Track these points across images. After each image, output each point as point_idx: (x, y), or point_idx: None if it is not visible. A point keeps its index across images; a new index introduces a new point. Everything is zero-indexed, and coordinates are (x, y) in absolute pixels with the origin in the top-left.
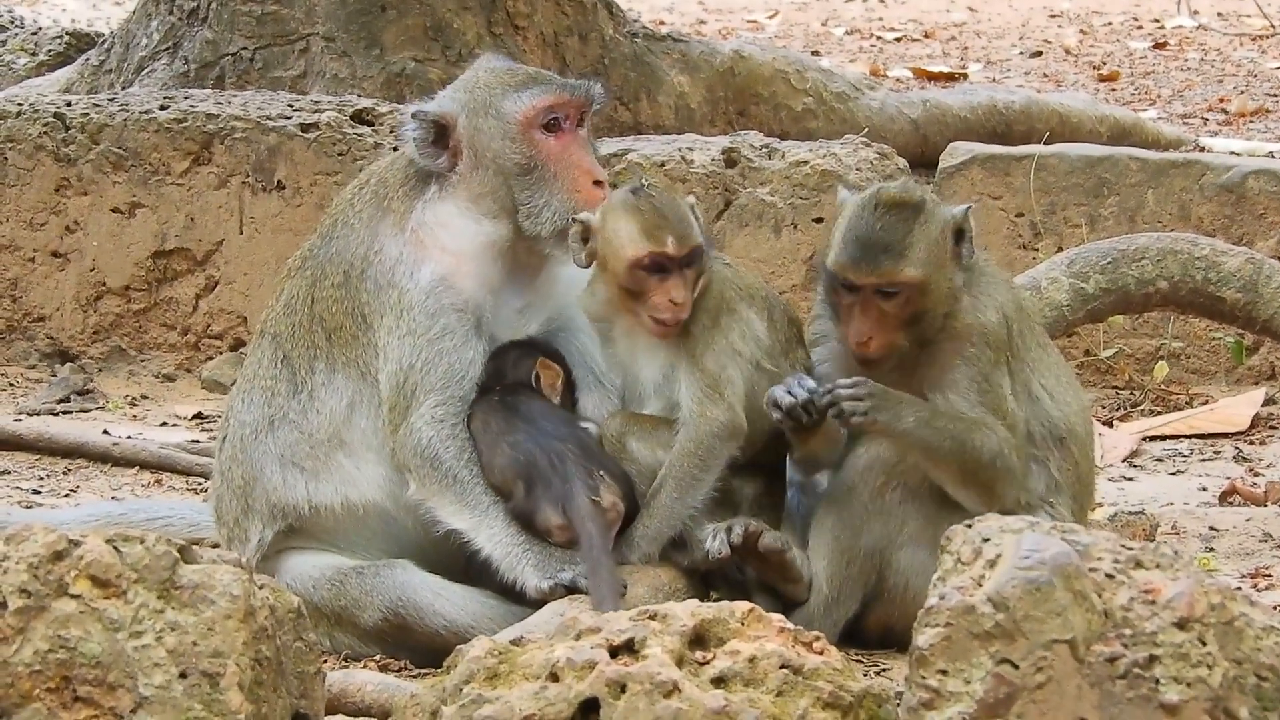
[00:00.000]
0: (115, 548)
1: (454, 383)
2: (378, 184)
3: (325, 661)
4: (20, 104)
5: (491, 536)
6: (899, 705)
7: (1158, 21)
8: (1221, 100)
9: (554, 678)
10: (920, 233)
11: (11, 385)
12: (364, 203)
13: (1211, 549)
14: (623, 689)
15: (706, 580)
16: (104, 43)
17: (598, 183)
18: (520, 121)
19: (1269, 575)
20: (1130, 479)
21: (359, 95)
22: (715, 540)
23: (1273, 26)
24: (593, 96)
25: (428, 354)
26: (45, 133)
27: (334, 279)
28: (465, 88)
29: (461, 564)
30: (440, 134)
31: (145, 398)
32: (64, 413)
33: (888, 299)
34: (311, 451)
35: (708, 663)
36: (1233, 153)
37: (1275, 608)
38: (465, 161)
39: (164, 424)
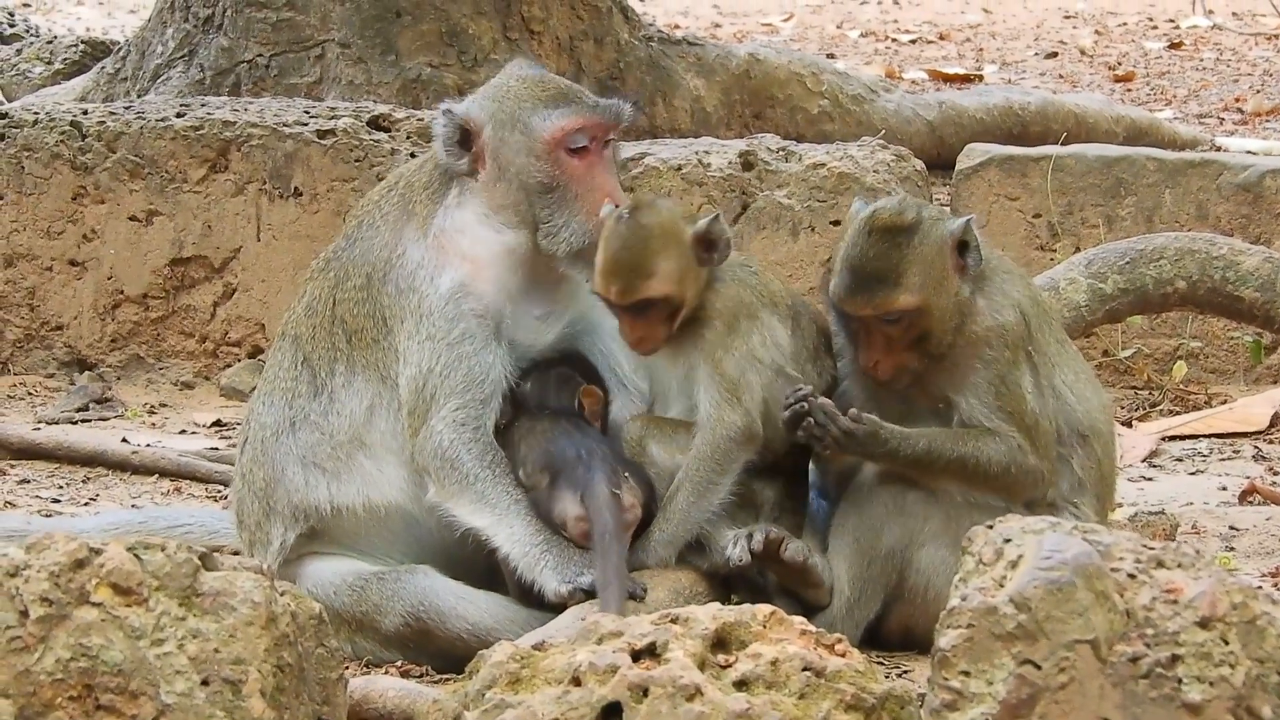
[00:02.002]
0: (136, 555)
1: (474, 386)
2: (404, 187)
3: (347, 668)
4: (36, 113)
5: (511, 536)
6: (921, 707)
7: (1173, 21)
8: (1237, 100)
9: (576, 682)
10: (915, 256)
11: (30, 394)
12: (390, 205)
13: (1232, 548)
14: (645, 693)
15: (727, 583)
16: (119, 51)
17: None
18: (547, 141)
19: None
20: (1150, 479)
21: (375, 101)
22: (736, 547)
23: None
24: (622, 117)
25: (448, 358)
26: (62, 141)
27: (356, 281)
28: (495, 95)
29: (483, 568)
30: (465, 136)
31: (164, 405)
32: (83, 421)
33: (891, 324)
34: (333, 452)
35: (730, 666)
36: (1249, 152)
37: None
38: (488, 171)
39: (183, 432)
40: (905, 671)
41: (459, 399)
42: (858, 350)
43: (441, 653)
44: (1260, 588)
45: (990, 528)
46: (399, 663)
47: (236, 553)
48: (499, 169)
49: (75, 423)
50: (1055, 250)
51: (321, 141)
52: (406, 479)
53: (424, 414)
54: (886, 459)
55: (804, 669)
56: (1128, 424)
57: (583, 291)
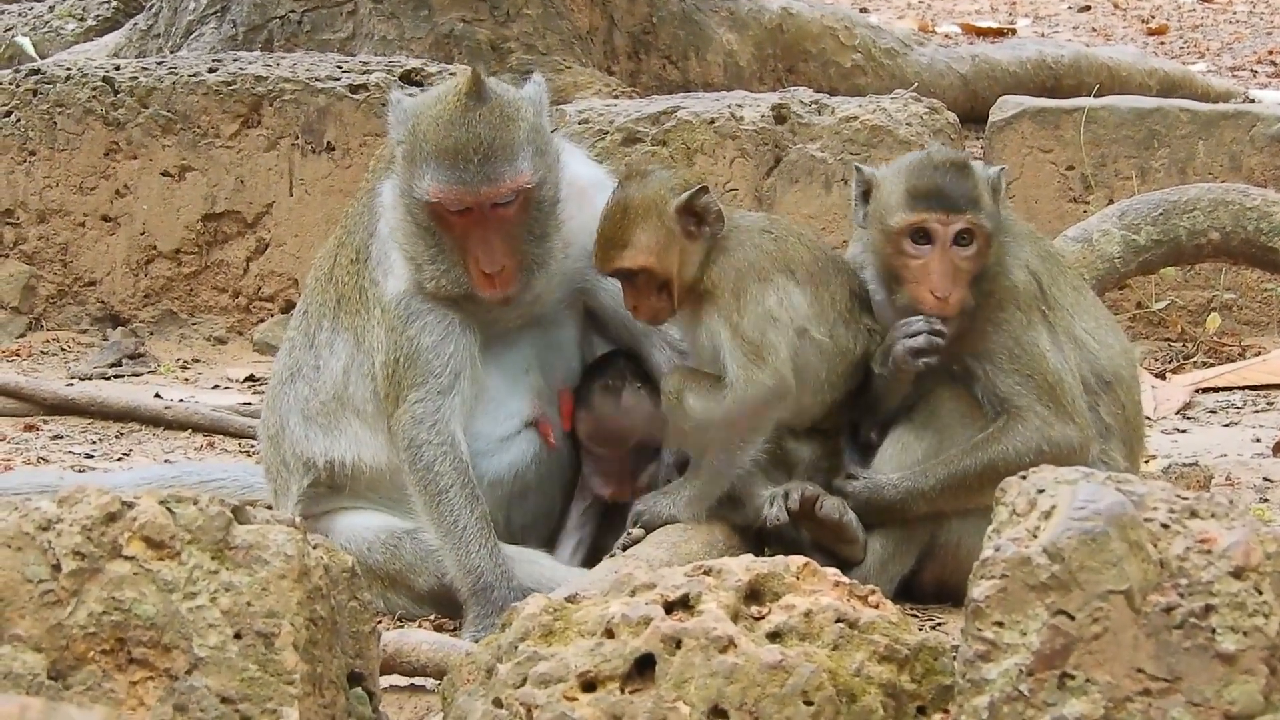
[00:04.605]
0: (169, 509)
1: (431, 378)
2: (385, 165)
3: (380, 621)
4: (69, 68)
5: (458, 562)
6: (955, 658)
7: None
8: (1271, 52)
9: (609, 634)
10: (980, 185)
11: (63, 350)
12: (375, 182)
13: (1266, 499)
14: (678, 644)
15: (760, 537)
16: (151, 7)
17: (487, 275)
18: (423, 200)
19: None
20: (1183, 431)
21: (408, 56)
22: (773, 507)
23: None
24: (502, 197)
25: (408, 350)
26: (94, 97)
27: (349, 253)
28: (415, 118)
29: (503, 522)
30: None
31: (197, 361)
32: (116, 377)
33: (964, 247)
34: (322, 408)
35: (763, 617)
36: None
37: None
38: (398, 184)
39: (216, 387)
40: (939, 623)
41: (419, 391)
42: (921, 287)
43: None
44: None
45: (1024, 478)
46: (432, 617)
47: (270, 507)
48: (400, 191)
49: (108, 378)
50: (1088, 202)
51: (354, 96)
52: (388, 443)
53: (394, 400)
54: (913, 504)
55: (837, 620)
56: (1161, 376)
57: (574, 248)
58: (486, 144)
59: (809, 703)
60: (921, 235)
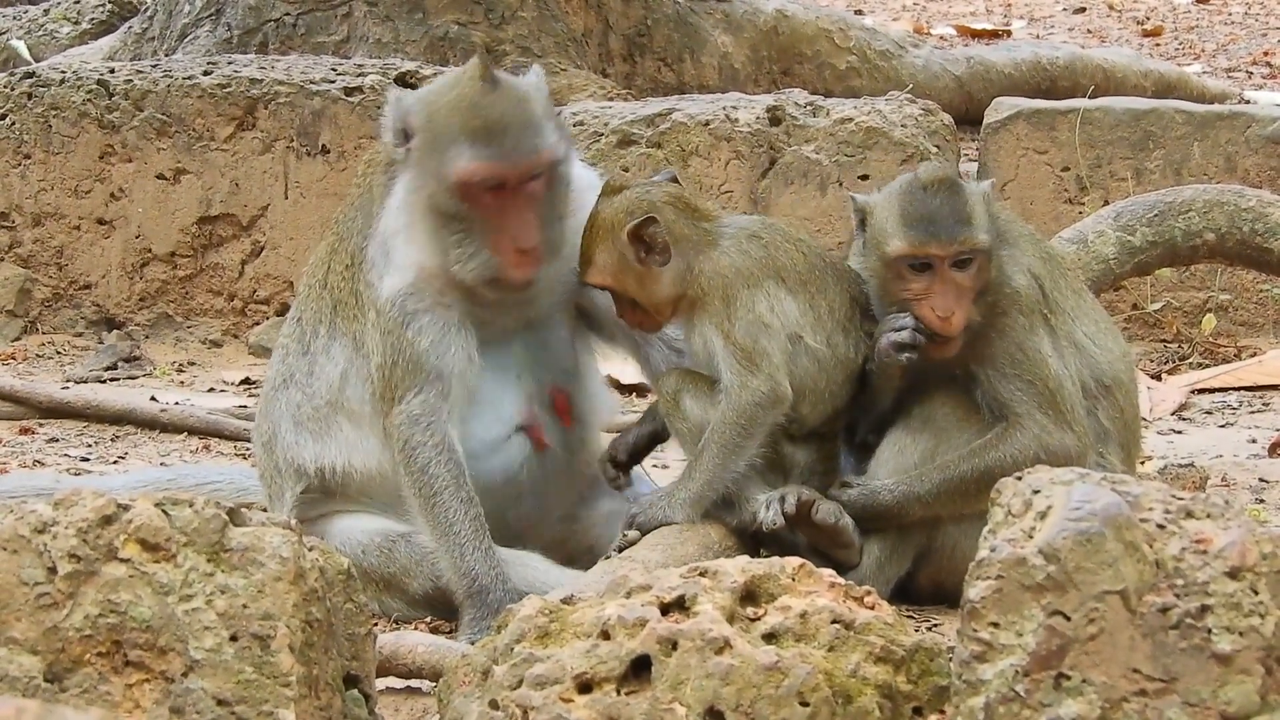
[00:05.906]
0: (164, 511)
1: (430, 381)
2: (375, 166)
3: (375, 624)
4: (64, 72)
5: (453, 565)
6: (951, 659)
7: None
8: (1266, 54)
9: (605, 636)
10: (973, 202)
11: (59, 353)
12: (366, 185)
13: (1262, 500)
14: (674, 646)
15: (756, 538)
16: (146, 10)
17: (523, 251)
18: (456, 180)
19: None
20: (1179, 432)
21: (402, 59)
22: (769, 511)
23: None
24: (537, 169)
25: (404, 352)
26: (89, 100)
27: (343, 259)
28: (432, 105)
29: (497, 525)
30: (404, 130)
31: (192, 364)
32: (111, 380)
33: (963, 269)
34: (314, 413)
35: (759, 619)
36: (1278, 105)
37: None
38: (414, 177)
39: (211, 390)
40: (935, 625)
41: (414, 392)
42: (924, 310)
43: None
44: None
45: (1019, 479)
46: (428, 619)
47: (265, 509)
48: (420, 182)
49: (104, 381)
50: (1084, 203)
51: (349, 99)
52: (380, 447)
53: (390, 402)
54: (910, 509)
55: (833, 621)
56: (1157, 377)
57: (569, 243)
58: (514, 120)
59: (805, 704)
60: (920, 263)
